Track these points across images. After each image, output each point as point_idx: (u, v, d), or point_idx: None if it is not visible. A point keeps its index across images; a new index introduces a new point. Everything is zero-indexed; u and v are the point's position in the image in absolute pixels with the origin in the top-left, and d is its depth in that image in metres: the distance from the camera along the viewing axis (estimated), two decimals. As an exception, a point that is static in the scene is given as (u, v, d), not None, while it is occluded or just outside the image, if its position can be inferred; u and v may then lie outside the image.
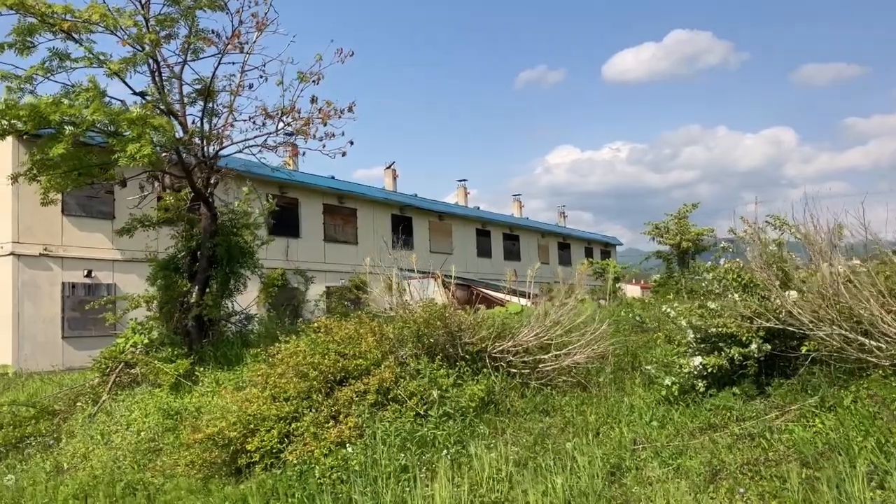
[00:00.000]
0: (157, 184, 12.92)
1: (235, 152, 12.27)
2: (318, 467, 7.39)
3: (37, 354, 19.79)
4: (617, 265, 49.43)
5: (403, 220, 34.89)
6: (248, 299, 15.06)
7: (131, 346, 11.67)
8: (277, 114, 11.39)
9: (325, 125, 11.15)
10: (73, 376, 14.54)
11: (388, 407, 8.22)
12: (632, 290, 41.58)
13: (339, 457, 7.47)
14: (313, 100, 11.40)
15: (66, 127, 9.38)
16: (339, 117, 11.23)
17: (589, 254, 52.39)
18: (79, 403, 11.43)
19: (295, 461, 7.63)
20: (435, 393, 8.20)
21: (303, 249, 28.82)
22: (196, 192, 11.88)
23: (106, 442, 10.31)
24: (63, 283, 20.71)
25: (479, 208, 44.49)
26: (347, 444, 7.75)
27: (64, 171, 10.68)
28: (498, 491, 6.53)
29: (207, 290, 12.02)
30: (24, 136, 19.60)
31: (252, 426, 8.36)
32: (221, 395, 10.19)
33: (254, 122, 11.56)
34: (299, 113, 11.29)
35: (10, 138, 19.78)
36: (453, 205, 40.33)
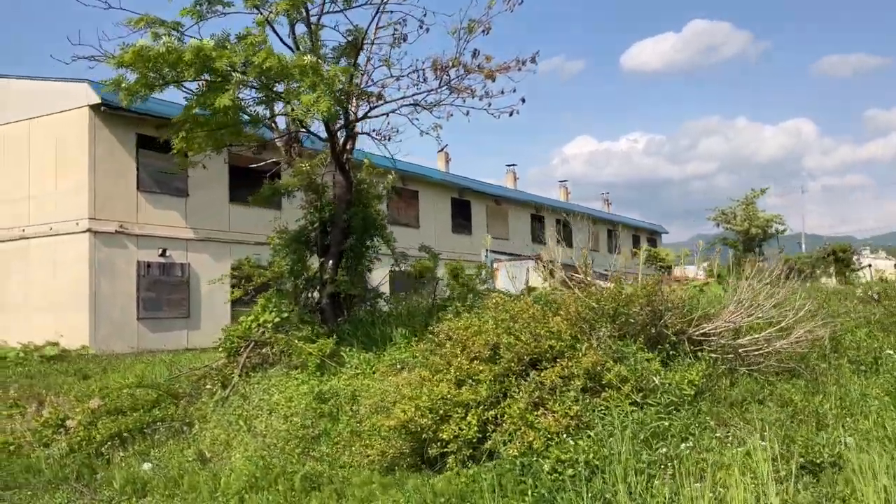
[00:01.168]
0: (295, 147, 11.94)
1: (385, 113, 11.20)
2: (545, 461, 6.50)
3: (113, 336, 19.09)
4: (669, 252, 48.42)
5: (462, 203, 33.96)
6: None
7: (261, 324, 10.82)
8: (446, 65, 10.21)
9: (492, 80, 10.07)
10: (186, 357, 13.77)
11: (602, 394, 7.31)
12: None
13: (567, 449, 6.57)
14: (475, 54, 10.33)
15: (233, 75, 8.41)
16: (520, 69, 10.14)
17: (636, 241, 51.33)
18: (208, 385, 10.62)
19: (515, 452, 6.73)
20: (656, 379, 7.29)
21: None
22: (335, 156, 10.94)
23: (249, 428, 9.49)
24: (139, 262, 19.96)
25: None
26: (564, 434, 6.86)
27: (212, 128, 9.70)
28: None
29: (341, 264, 11.13)
30: (103, 108, 18.89)
31: (442, 412, 7.49)
32: (378, 377, 9.35)
33: (409, 79, 10.45)
34: (464, 67, 10.16)
35: (86, 110, 19.12)
36: (510, 189, 39.31)
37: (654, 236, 56.85)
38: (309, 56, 8.65)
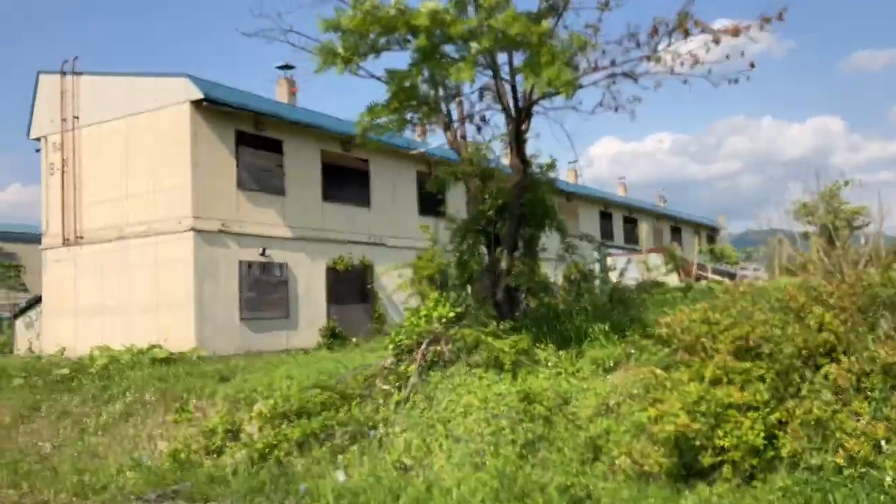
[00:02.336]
0: (459, 130, 11.12)
1: (582, 85, 10.15)
2: (886, 472, 5.60)
3: (217, 337, 18.49)
4: (734, 249, 47.08)
5: (538, 199, 33.00)
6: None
7: (435, 320, 10.04)
8: (666, 28, 9.16)
9: (717, 43, 9.04)
10: (334, 356, 13.05)
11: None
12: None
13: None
14: (685, 17, 9.25)
15: (470, 45, 7.58)
16: (762, 28, 9.11)
17: (697, 237, 50.07)
18: (385, 386, 9.87)
19: (842, 462, 5.84)
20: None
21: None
22: (516, 138, 10.10)
23: (447, 433, 8.70)
24: (240, 262, 19.36)
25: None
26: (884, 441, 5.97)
27: (402, 104, 8.79)
28: None
29: (515, 254, 10.32)
30: (204, 103, 18.33)
31: (714, 416, 6.62)
32: (582, 377, 8.53)
33: (618, 45, 9.34)
34: (695, 24, 9.05)
35: (186, 105, 18.57)
36: (580, 186, 38.28)
37: (713, 233, 55.54)
38: (545, 22, 7.79)
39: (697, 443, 6.57)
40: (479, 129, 10.66)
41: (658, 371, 7.61)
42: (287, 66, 25.38)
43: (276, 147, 20.66)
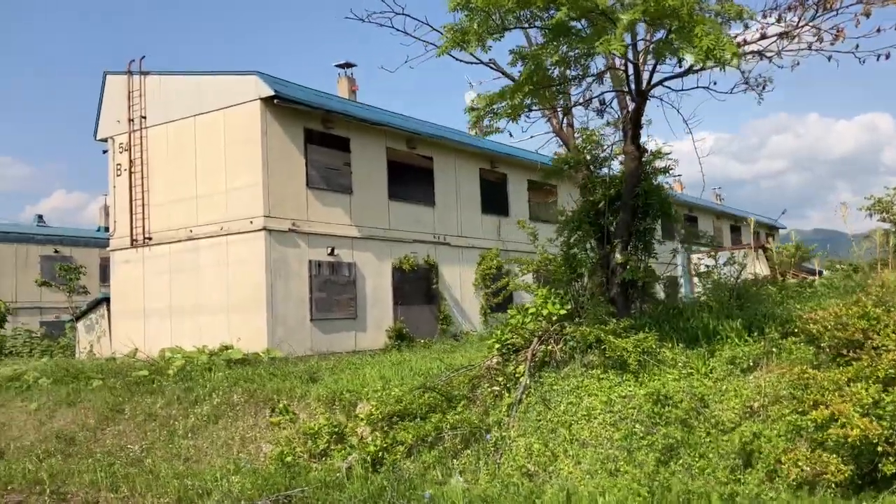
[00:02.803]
0: (566, 118, 10.57)
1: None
2: None
3: (288, 338, 18.21)
4: (802, 245, 45.71)
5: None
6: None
7: (544, 318, 9.52)
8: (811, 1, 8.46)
9: (867, 16, 8.37)
10: (429, 356, 12.62)
11: None
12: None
13: None
14: None
15: (620, 16, 7.01)
16: None
17: (756, 236, 48.74)
18: (494, 387, 9.37)
19: None
20: None
21: (511, 229, 26.62)
22: (634, 121, 9.53)
23: (572, 438, 8.18)
24: (310, 262, 19.07)
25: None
26: None
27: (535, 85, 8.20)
28: None
29: (629, 248, 9.75)
30: (275, 100, 18.06)
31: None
32: (716, 378, 7.93)
33: (757, 21, 8.65)
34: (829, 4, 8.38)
35: (256, 103, 18.32)
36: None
37: (772, 231, 54.09)
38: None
39: (880, 448, 5.97)
40: (599, 113, 10.08)
41: (811, 371, 7.00)
42: (347, 65, 25.15)
43: (343, 145, 20.37)
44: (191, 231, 19.38)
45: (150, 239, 20.15)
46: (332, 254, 19.63)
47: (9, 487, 10.39)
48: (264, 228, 18.03)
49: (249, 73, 18.34)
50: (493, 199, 25.96)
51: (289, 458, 8.79)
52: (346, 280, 19.96)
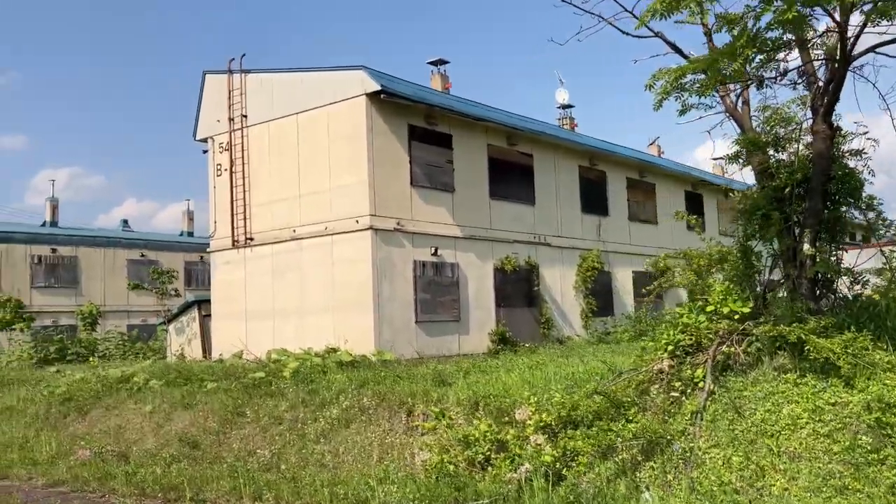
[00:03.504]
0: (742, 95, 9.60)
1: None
2: None
3: (395, 339, 17.64)
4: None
5: (695, 196, 30.97)
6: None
7: (725, 316, 8.59)
8: None
9: None
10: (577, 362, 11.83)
11: None
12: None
13: None
14: None
15: None
16: None
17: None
18: (672, 393, 8.49)
19: None
20: None
21: (611, 229, 25.64)
22: (831, 97, 8.53)
23: (780, 450, 7.24)
24: (414, 262, 18.48)
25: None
26: None
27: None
28: None
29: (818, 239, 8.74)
30: (382, 96, 17.54)
31: None
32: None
33: None
34: None
35: (362, 99, 17.83)
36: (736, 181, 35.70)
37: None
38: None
39: None
40: (794, 85, 9.10)
41: None
42: (441, 62, 24.55)
43: (445, 142, 19.76)
44: (294, 231, 19.01)
45: (251, 239, 19.88)
46: (435, 254, 19.01)
47: (146, 492, 9.98)
48: (370, 228, 17.50)
49: (356, 68, 17.89)
50: (593, 198, 25.00)
51: (450, 467, 8.07)
52: (449, 281, 19.30)
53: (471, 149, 20.49)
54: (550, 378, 10.59)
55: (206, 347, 28.81)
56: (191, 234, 45.24)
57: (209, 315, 29.40)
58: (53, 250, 36.21)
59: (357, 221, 17.69)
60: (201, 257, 41.63)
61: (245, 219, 19.98)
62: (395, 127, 18.38)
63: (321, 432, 11.06)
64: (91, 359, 23.81)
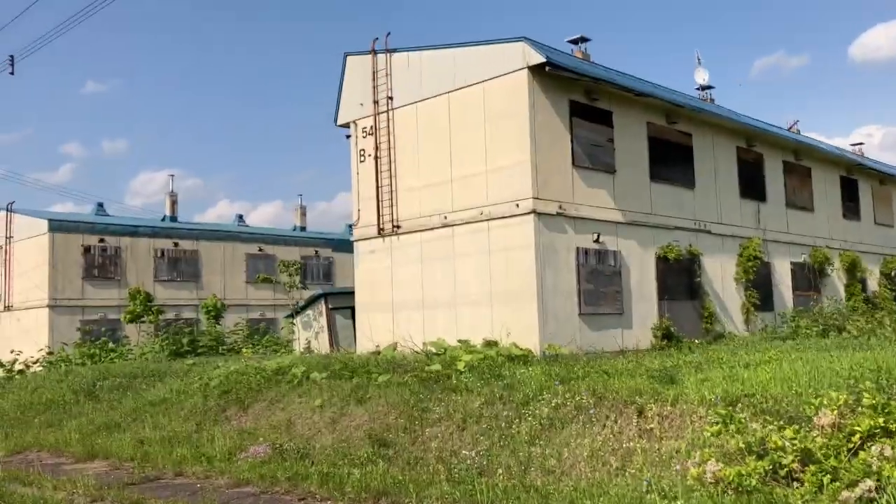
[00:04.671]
0: None
1: None
2: None
3: (558, 333, 16.26)
4: None
5: (850, 182, 28.40)
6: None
7: None
8: None
9: None
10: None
11: None
12: None
13: None
14: None
15: None
16: None
17: None
18: None
19: None
20: None
21: (769, 216, 23.54)
22: None
23: None
24: (577, 249, 17.07)
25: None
26: None
27: None
28: None
29: None
30: (547, 68, 16.21)
31: None
32: None
33: None
34: None
35: (524, 73, 16.52)
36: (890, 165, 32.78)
37: None
38: None
39: None
40: None
41: None
42: (582, 39, 22.98)
43: (606, 119, 18.27)
44: (445, 217, 17.89)
45: (398, 227, 18.88)
46: (597, 241, 17.53)
47: (349, 495, 8.93)
48: (533, 212, 16.18)
49: (516, 40, 16.60)
50: (751, 182, 23.01)
51: (751, 481, 6.61)
52: (611, 270, 17.80)
53: (631, 127, 18.93)
54: (806, 374, 9.02)
55: (334, 341, 28.21)
56: (303, 228, 45.15)
57: (336, 308, 28.86)
58: (175, 244, 36.51)
59: (517, 205, 16.40)
60: (316, 252, 41.42)
61: (392, 206, 19.01)
62: (556, 103, 17.01)
63: (532, 433, 9.80)
64: (245, 349, 23.61)
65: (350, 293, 30.49)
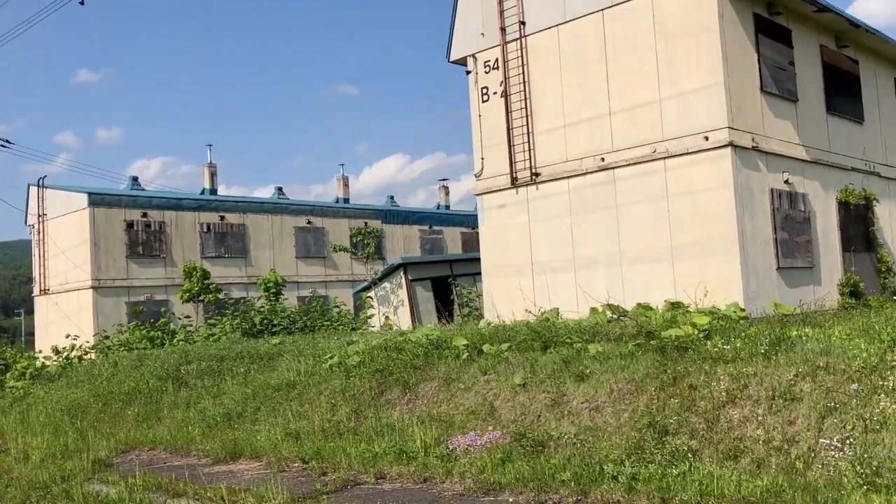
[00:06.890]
0: None
1: None
2: None
3: (758, 290, 13.54)
4: None
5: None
6: None
7: None
8: None
9: None
10: None
11: None
12: None
13: None
14: None
15: None
16: None
17: None
18: None
19: None
20: None
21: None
22: None
23: None
24: (771, 191, 14.30)
25: None
26: None
27: None
28: None
29: None
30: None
31: None
32: None
33: None
34: None
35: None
36: None
37: None
38: None
39: None
40: None
41: None
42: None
43: (786, 38, 15.42)
44: (601, 160, 15.07)
45: (537, 175, 16.06)
46: (787, 182, 14.75)
47: None
48: (729, 144, 13.38)
49: (700, -62, 13.70)
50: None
51: None
52: (802, 217, 15.05)
53: (807, 50, 16.09)
54: None
55: (416, 315, 25.50)
56: (346, 200, 42.30)
57: (416, 280, 26.09)
58: (222, 217, 33.70)
59: (706, 138, 13.60)
60: (365, 223, 38.59)
61: (527, 150, 16.17)
62: (741, 16, 14.16)
63: (876, 418, 7.09)
64: (386, 320, 20.99)
65: (429, 263, 27.81)
